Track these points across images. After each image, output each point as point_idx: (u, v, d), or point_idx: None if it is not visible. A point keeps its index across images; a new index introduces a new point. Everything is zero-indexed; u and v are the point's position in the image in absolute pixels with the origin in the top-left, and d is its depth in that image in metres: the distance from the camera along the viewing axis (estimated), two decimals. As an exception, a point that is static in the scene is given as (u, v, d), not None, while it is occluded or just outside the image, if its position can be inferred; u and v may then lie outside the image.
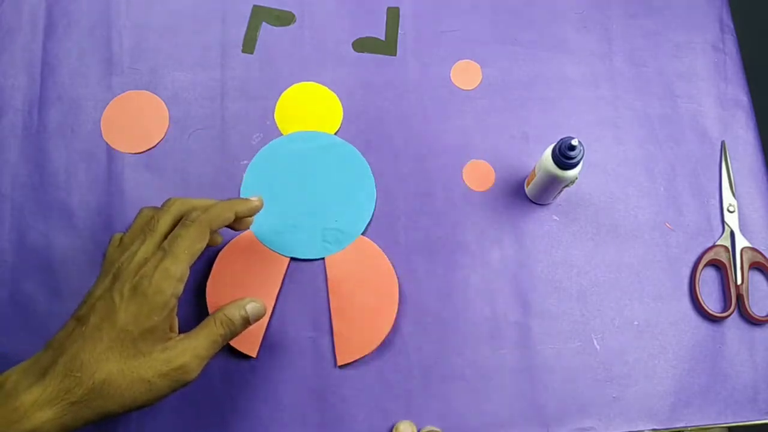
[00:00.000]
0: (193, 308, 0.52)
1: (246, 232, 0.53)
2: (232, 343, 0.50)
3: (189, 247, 0.43)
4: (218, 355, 0.49)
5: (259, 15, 0.59)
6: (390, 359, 0.51)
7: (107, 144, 0.55)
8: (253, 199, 0.48)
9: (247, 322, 0.46)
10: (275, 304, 0.52)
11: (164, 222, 0.44)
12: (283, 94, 0.57)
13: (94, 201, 0.54)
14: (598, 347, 0.52)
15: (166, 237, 0.44)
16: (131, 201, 0.54)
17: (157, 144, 0.55)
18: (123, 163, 0.55)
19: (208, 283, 0.51)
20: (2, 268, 0.52)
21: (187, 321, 0.52)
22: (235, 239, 0.52)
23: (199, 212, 0.44)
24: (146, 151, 0.55)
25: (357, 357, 0.50)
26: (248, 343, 0.50)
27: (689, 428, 0.51)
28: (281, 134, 0.56)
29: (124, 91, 0.57)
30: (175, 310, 0.43)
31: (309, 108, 0.56)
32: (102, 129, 0.56)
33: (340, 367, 0.51)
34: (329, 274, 0.52)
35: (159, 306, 0.41)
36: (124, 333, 0.40)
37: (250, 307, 0.46)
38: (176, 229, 0.44)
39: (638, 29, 0.60)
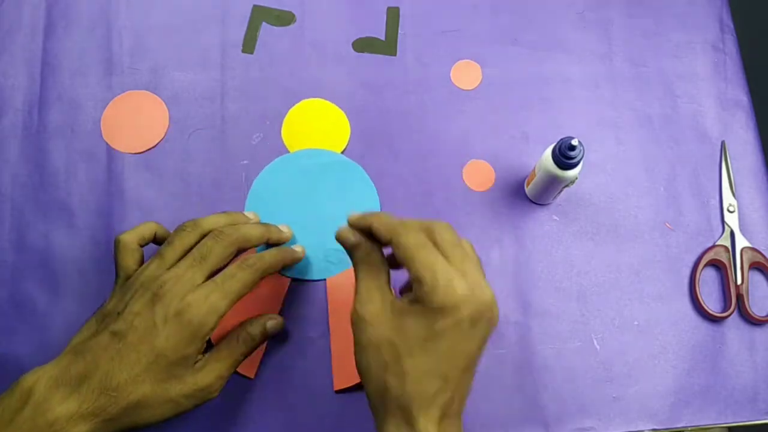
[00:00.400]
0: None
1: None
2: None
3: (240, 290, 0.43)
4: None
5: (259, 15, 0.59)
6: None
7: (107, 144, 0.55)
8: (298, 250, 0.50)
9: (266, 337, 0.47)
10: None
11: (216, 253, 0.44)
12: (290, 110, 0.56)
13: (94, 201, 0.54)
14: (598, 347, 0.52)
15: (215, 268, 0.44)
16: (131, 201, 0.54)
17: (157, 144, 0.55)
18: (123, 163, 0.55)
19: None
20: (2, 268, 0.52)
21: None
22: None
23: (258, 259, 0.45)
24: (146, 151, 0.55)
25: (354, 382, 0.50)
26: (246, 364, 0.50)
27: (689, 428, 0.51)
28: (288, 151, 0.55)
29: (124, 91, 0.57)
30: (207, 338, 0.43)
31: (316, 125, 0.56)
32: (102, 129, 0.56)
33: (337, 391, 0.50)
34: (330, 295, 0.52)
35: (200, 336, 0.41)
36: (161, 358, 0.40)
37: (270, 324, 0.47)
38: (233, 268, 0.44)
39: (638, 29, 0.60)
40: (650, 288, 0.54)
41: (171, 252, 0.44)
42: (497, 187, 0.56)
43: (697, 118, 0.58)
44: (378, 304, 0.40)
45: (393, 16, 0.60)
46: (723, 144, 0.58)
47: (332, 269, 0.52)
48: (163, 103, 0.56)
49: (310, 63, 0.58)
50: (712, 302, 0.54)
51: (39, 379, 0.40)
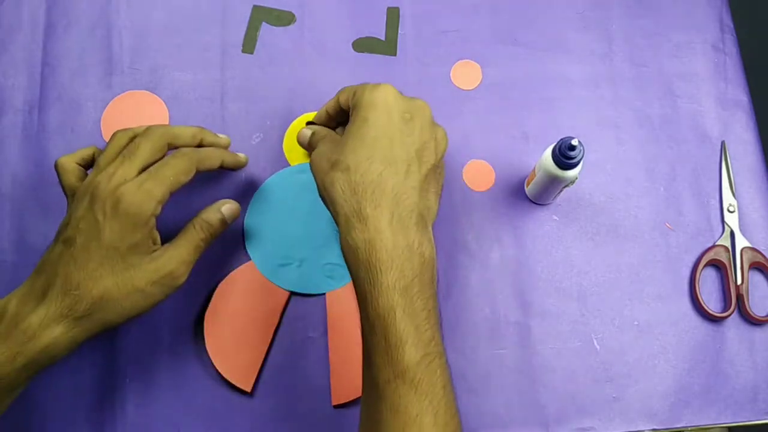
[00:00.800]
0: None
1: (248, 264, 0.52)
2: (227, 375, 0.49)
3: (175, 175, 0.45)
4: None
5: (259, 15, 0.59)
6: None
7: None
8: (240, 155, 0.52)
9: (224, 223, 0.48)
10: (273, 339, 0.51)
11: (145, 148, 0.45)
12: (292, 123, 0.56)
13: (94, 201, 0.54)
14: (598, 347, 0.52)
15: (145, 162, 0.45)
16: (131, 201, 0.54)
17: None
18: (123, 163, 0.55)
19: (207, 315, 0.51)
20: (2, 268, 0.52)
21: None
22: (235, 271, 0.52)
23: (193, 150, 0.47)
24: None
25: (353, 398, 0.50)
26: (243, 378, 0.50)
27: (689, 428, 0.51)
28: (288, 164, 0.55)
29: (124, 91, 0.57)
30: (155, 226, 0.44)
31: None
32: (102, 129, 0.56)
33: (336, 406, 0.50)
34: (329, 310, 0.51)
35: (141, 222, 0.43)
36: (111, 250, 0.42)
37: (226, 209, 0.48)
38: (167, 158, 0.46)
39: (638, 29, 0.60)
40: (650, 288, 0.54)
41: (105, 158, 0.46)
42: (497, 187, 0.56)
43: (697, 118, 0.58)
44: (327, 148, 0.46)
45: (393, 16, 0.60)
46: (723, 144, 0.58)
47: (332, 284, 0.52)
48: (163, 103, 0.56)
49: (310, 63, 0.58)
50: (712, 302, 0.54)
51: (9, 299, 0.42)
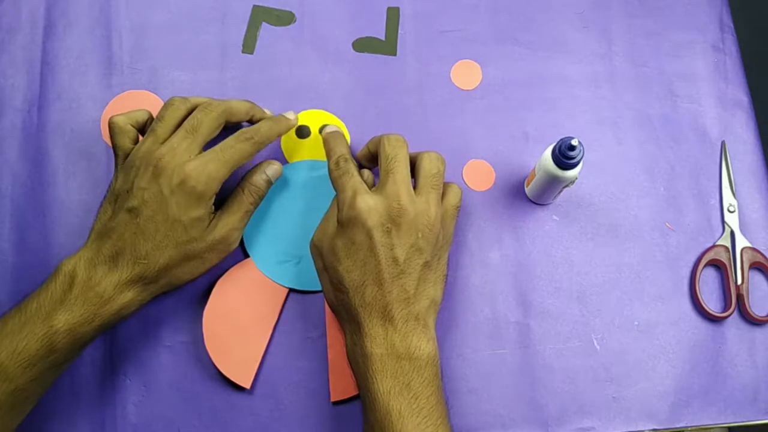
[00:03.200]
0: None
1: (246, 261, 0.52)
2: (226, 372, 0.49)
3: (238, 159, 0.48)
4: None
5: (259, 15, 0.59)
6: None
7: (107, 144, 0.55)
8: (290, 117, 0.53)
9: (269, 183, 0.51)
10: (272, 336, 0.51)
11: (208, 125, 0.48)
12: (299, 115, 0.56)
13: (94, 201, 0.54)
14: (598, 347, 0.52)
15: (207, 139, 0.48)
16: (131, 201, 0.54)
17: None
18: (123, 163, 0.55)
19: (205, 312, 0.51)
20: (2, 268, 0.52)
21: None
22: (234, 267, 0.52)
23: (254, 132, 0.49)
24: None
25: (351, 394, 0.50)
26: (242, 375, 0.50)
27: (689, 428, 0.51)
28: (287, 162, 0.55)
29: (123, 91, 0.57)
30: (213, 200, 0.48)
31: (316, 135, 0.56)
32: (102, 129, 0.56)
33: (334, 403, 0.50)
34: (328, 307, 0.52)
35: (205, 200, 0.46)
36: (176, 223, 0.45)
37: (270, 170, 0.51)
38: (231, 140, 0.48)
39: (638, 29, 0.60)
40: (650, 288, 0.54)
41: (163, 127, 0.48)
42: (497, 187, 0.56)
43: (697, 118, 0.58)
44: (329, 234, 0.47)
45: (393, 16, 0.60)
46: (723, 144, 0.58)
47: None
48: (163, 103, 0.56)
49: (310, 63, 0.58)
50: (712, 302, 0.54)
51: (77, 263, 0.45)
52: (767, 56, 0.78)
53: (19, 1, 0.58)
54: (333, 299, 0.47)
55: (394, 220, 0.45)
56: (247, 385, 0.50)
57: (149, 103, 0.56)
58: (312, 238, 0.49)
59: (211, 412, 0.50)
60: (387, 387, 0.42)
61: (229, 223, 0.48)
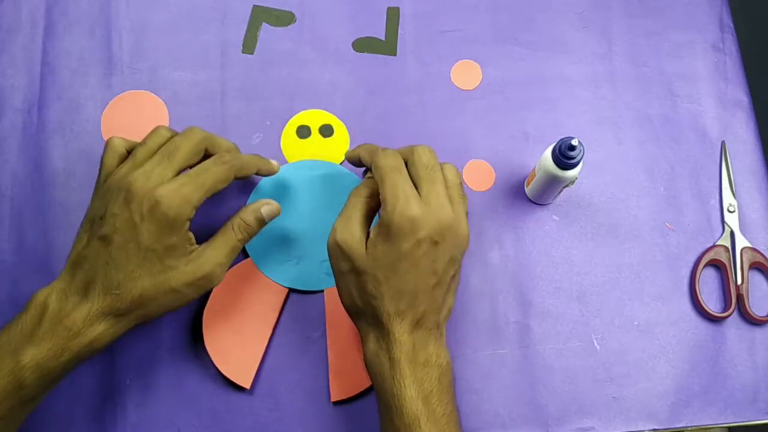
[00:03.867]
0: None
1: (246, 261, 0.52)
2: (226, 372, 0.49)
3: (213, 183, 0.45)
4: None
5: (259, 15, 0.59)
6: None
7: (107, 144, 0.55)
8: (273, 162, 0.51)
9: (263, 223, 0.48)
10: (272, 336, 0.51)
11: (185, 150, 0.46)
12: (289, 121, 0.56)
13: (94, 201, 0.54)
14: (598, 347, 0.52)
15: (183, 165, 0.45)
16: (131, 201, 0.54)
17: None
18: (123, 163, 0.55)
19: (205, 312, 0.51)
20: (2, 268, 0.52)
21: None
22: (234, 267, 0.52)
23: (232, 157, 0.47)
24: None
25: (351, 394, 0.50)
26: (242, 374, 0.50)
27: (689, 428, 0.51)
28: (287, 162, 0.55)
29: (123, 91, 0.57)
30: (189, 227, 0.45)
31: (316, 135, 0.56)
32: (102, 129, 0.56)
33: (334, 403, 0.50)
34: (328, 307, 0.51)
35: (177, 226, 0.43)
36: (149, 252, 0.43)
37: (265, 210, 0.48)
38: (207, 163, 0.46)
39: (638, 29, 0.60)
40: (650, 288, 0.54)
41: (142, 152, 0.46)
42: (497, 187, 0.56)
43: (697, 118, 0.58)
44: (356, 235, 0.44)
45: (393, 16, 0.60)
46: (723, 144, 0.58)
47: (330, 281, 0.52)
48: (163, 103, 0.56)
49: (310, 63, 0.58)
50: (712, 302, 0.54)
51: (49, 294, 0.43)
52: (767, 56, 0.78)
53: (20, 1, 0.58)
54: (357, 302, 0.45)
55: (441, 234, 0.43)
56: (247, 386, 0.50)
57: (149, 103, 0.56)
58: (333, 238, 0.45)
59: (211, 412, 0.50)
60: (414, 393, 0.42)
61: (212, 258, 0.45)
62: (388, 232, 0.43)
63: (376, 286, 0.43)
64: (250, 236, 0.48)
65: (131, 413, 0.50)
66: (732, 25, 0.61)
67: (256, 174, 0.50)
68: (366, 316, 0.45)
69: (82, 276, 0.43)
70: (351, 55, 0.59)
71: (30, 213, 0.53)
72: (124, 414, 0.50)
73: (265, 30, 0.59)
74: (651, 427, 0.51)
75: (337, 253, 0.45)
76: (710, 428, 0.52)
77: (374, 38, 0.59)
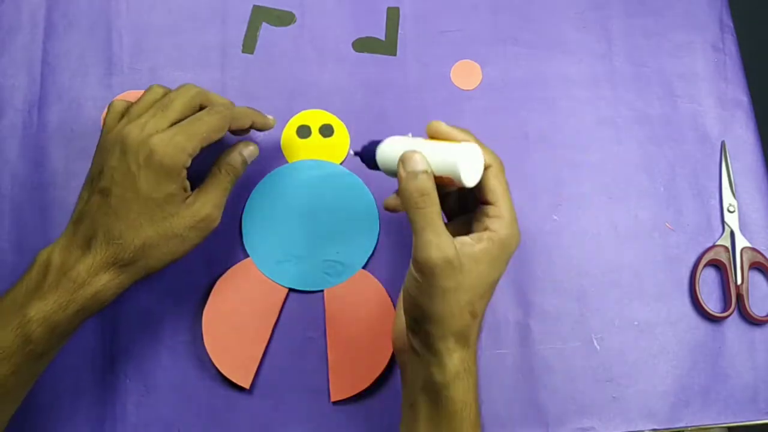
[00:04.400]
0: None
1: (246, 260, 0.52)
2: (225, 372, 0.50)
3: (207, 131, 0.45)
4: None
5: (259, 15, 0.59)
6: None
7: (107, 144, 0.55)
8: (269, 117, 0.52)
9: (245, 164, 0.49)
10: (271, 336, 0.51)
11: (179, 103, 0.46)
12: (290, 120, 0.56)
13: (94, 201, 0.54)
14: (598, 347, 0.52)
15: (177, 117, 0.46)
16: (131, 201, 0.54)
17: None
18: (123, 163, 0.55)
19: (205, 312, 0.51)
20: (2, 268, 0.52)
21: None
22: (234, 267, 0.52)
23: (227, 107, 0.47)
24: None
25: (352, 393, 0.50)
26: (242, 374, 0.50)
27: (689, 428, 0.51)
28: (286, 161, 0.55)
29: (124, 91, 0.57)
30: (186, 175, 0.45)
31: (316, 135, 0.56)
32: (102, 129, 0.56)
33: (334, 402, 0.50)
34: (327, 307, 0.51)
35: (174, 174, 0.44)
36: (149, 200, 0.44)
37: (246, 151, 0.49)
38: (200, 113, 0.46)
39: (638, 29, 0.60)
40: (650, 288, 0.54)
41: (137, 108, 0.46)
42: (497, 187, 0.55)
43: (697, 118, 0.58)
44: (454, 246, 0.40)
45: (393, 16, 0.60)
46: (723, 144, 0.58)
47: (330, 281, 0.52)
48: (163, 103, 0.56)
49: (310, 63, 0.58)
50: (712, 302, 0.54)
51: (52, 250, 0.44)
52: (767, 56, 0.78)
53: (20, 2, 0.58)
54: (459, 321, 0.40)
55: (513, 250, 0.43)
56: (247, 385, 0.50)
57: (149, 103, 0.56)
58: (441, 253, 0.39)
59: (211, 412, 0.50)
60: (480, 420, 0.42)
61: (209, 200, 0.46)
62: (501, 251, 0.41)
63: (478, 303, 0.41)
64: (237, 177, 0.49)
65: (131, 413, 0.50)
66: (732, 25, 0.61)
67: (252, 127, 0.50)
68: (460, 335, 0.41)
69: (84, 230, 0.44)
70: (351, 55, 0.59)
71: (30, 213, 0.53)
72: (124, 414, 0.50)
73: (265, 30, 0.59)
74: (651, 427, 0.51)
75: (440, 272, 0.39)
76: (710, 428, 0.52)
77: (374, 38, 0.59)
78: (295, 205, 0.53)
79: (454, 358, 0.40)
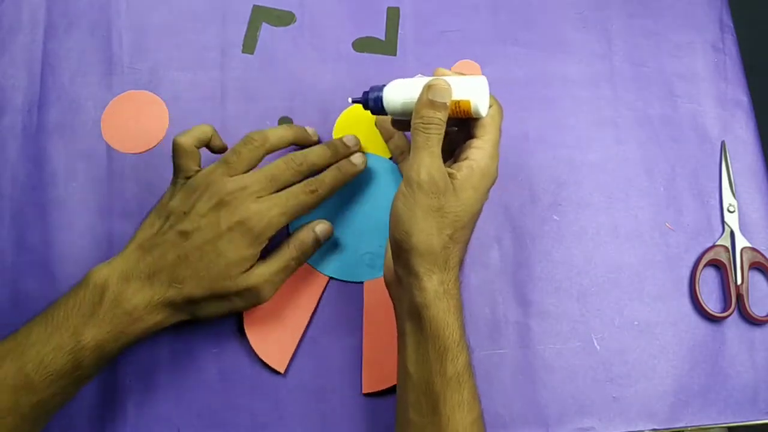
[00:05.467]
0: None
1: None
2: (262, 356, 0.50)
3: (300, 211, 0.47)
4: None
5: (259, 15, 0.59)
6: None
7: (107, 144, 0.55)
8: (357, 162, 0.51)
9: (318, 242, 0.50)
10: (309, 323, 0.51)
11: (287, 178, 0.48)
12: (343, 112, 0.56)
13: (94, 201, 0.54)
14: (598, 347, 0.52)
15: (282, 187, 0.47)
16: (131, 201, 0.54)
17: (157, 144, 0.55)
18: (123, 163, 0.55)
19: None
20: (2, 268, 0.52)
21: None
22: None
23: (319, 184, 0.48)
24: (146, 151, 0.55)
25: (384, 386, 0.50)
26: (278, 359, 0.50)
27: (689, 428, 0.51)
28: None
29: (124, 91, 0.57)
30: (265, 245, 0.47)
31: (364, 130, 0.55)
32: (102, 129, 0.56)
33: (366, 394, 0.50)
34: (366, 299, 0.52)
35: (257, 244, 0.46)
36: (221, 258, 0.45)
37: (319, 229, 0.50)
38: (297, 190, 0.48)
39: (638, 29, 0.60)
40: (650, 288, 0.54)
41: (238, 162, 0.47)
42: (497, 187, 0.55)
43: (697, 118, 0.58)
44: (444, 172, 0.43)
45: (393, 16, 0.60)
46: (723, 144, 0.58)
47: (371, 273, 0.52)
48: (163, 103, 0.56)
49: (310, 63, 0.58)
50: (712, 302, 0.54)
51: (110, 274, 0.44)
52: (767, 56, 0.78)
53: (20, 2, 0.58)
54: (433, 242, 0.42)
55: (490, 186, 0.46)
56: (282, 370, 0.50)
57: (149, 103, 0.56)
58: (425, 171, 0.42)
59: (211, 412, 0.50)
60: (467, 342, 0.43)
61: (264, 273, 0.47)
62: (480, 180, 0.44)
63: (459, 230, 0.43)
64: (306, 256, 0.49)
65: (131, 413, 0.50)
66: (732, 25, 0.61)
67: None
68: (439, 258, 0.42)
69: (149, 262, 0.44)
70: (351, 55, 0.59)
71: (30, 213, 0.53)
72: (124, 414, 0.50)
73: (265, 30, 0.59)
74: (651, 427, 0.51)
75: (426, 188, 0.42)
76: (710, 428, 0.52)
77: (374, 38, 0.59)
78: (341, 196, 0.53)
79: (433, 280, 0.42)
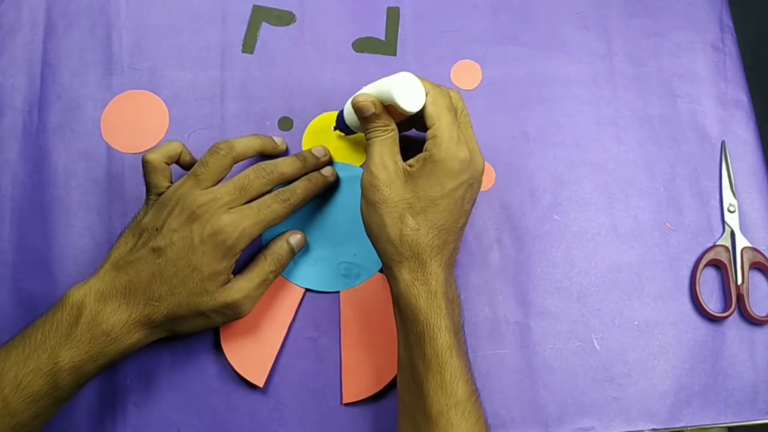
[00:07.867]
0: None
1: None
2: (240, 370, 0.50)
3: (272, 220, 0.47)
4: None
5: (259, 15, 0.59)
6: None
7: (107, 144, 0.55)
8: (327, 174, 0.52)
9: (293, 253, 0.50)
10: (286, 335, 0.51)
11: (257, 188, 0.47)
12: (312, 121, 0.56)
13: (94, 201, 0.54)
14: (598, 347, 0.52)
15: (253, 198, 0.47)
16: (131, 201, 0.54)
17: (157, 144, 0.55)
18: (123, 163, 0.55)
19: None
20: (2, 268, 0.52)
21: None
22: None
23: (291, 194, 0.48)
24: (146, 151, 0.55)
25: (364, 396, 0.50)
26: (256, 372, 0.50)
27: (689, 428, 0.51)
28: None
29: (124, 91, 0.57)
30: (239, 257, 0.47)
31: (334, 138, 0.55)
32: (102, 129, 0.56)
33: (346, 404, 0.50)
34: (343, 308, 0.52)
35: (231, 255, 0.45)
36: (196, 272, 0.44)
37: (294, 240, 0.50)
38: (269, 199, 0.47)
39: (638, 29, 0.60)
40: (650, 288, 0.54)
41: (206, 174, 0.47)
42: (497, 186, 0.56)
43: (697, 118, 0.58)
44: (392, 168, 0.45)
45: (393, 16, 0.60)
46: (723, 144, 0.58)
47: (346, 282, 0.52)
48: (163, 103, 0.56)
49: (310, 63, 0.58)
50: (712, 302, 0.54)
51: (86, 294, 0.44)
52: (767, 56, 0.78)
53: (20, 2, 0.58)
54: (390, 232, 0.44)
55: (478, 179, 0.47)
56: (261, 384, 0.50)
57: (149, 103, 0.56)
58: (368, 171, 0.45)
59: (211, 412, 0.50)
60: (448, 325, 0.43)
61: (244, 288, 0.47)
62: (434, 168, 0.44)
63: (414, 217, 0.44)
64: (282, 267, 0.50)
65: (131, 413, 0.50)
66: (732, 25, 0.61)
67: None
68: (401, 247, 0.44)
69: (124, 281, 0.44)
70: (351, 55, 0.59)
71: (30, 213, 0.53)
72: (124, 414, 0.50)
73: (265, 30, 0.59)
74: (651, 427, 0.51)
75: (373, 183, 0.44)
76: (710, 428, 0.52)
77: (374, 38, 0.59)
78: (310, 205, 0.53)
79: (401, 269, 0.44)
